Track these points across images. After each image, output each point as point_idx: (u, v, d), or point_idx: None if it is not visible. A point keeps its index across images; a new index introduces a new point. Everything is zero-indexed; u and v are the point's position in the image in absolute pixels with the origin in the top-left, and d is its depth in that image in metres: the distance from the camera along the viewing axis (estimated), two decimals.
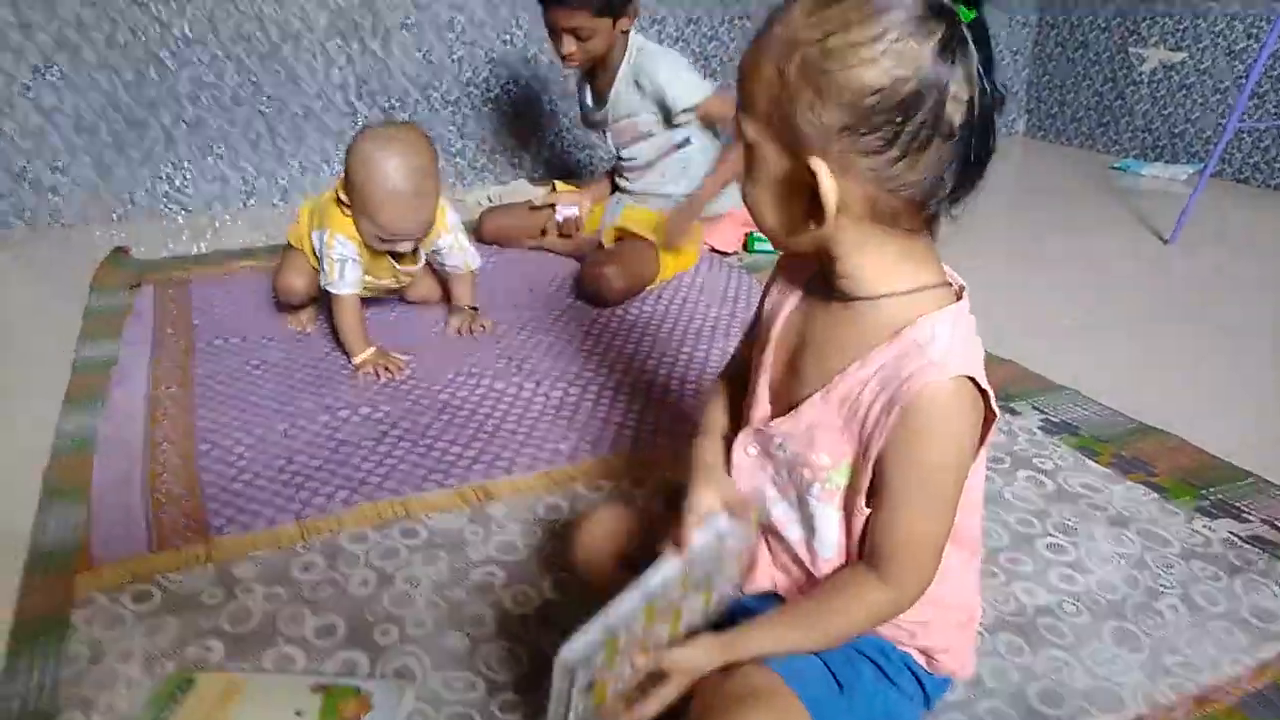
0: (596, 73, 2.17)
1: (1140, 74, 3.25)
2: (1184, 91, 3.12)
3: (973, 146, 0.63)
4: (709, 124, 2.18)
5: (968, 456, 0.69)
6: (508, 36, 2.92)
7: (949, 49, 0.60)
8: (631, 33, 2.09)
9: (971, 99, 0.62)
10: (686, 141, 2.17)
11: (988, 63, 0.62)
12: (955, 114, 0.62)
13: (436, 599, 1.04)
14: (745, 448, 0.79)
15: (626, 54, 2.09)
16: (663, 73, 2.06)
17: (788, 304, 0.79)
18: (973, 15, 0.62)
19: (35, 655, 0.96)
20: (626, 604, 0.68)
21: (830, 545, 0.75)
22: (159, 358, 1.69)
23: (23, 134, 2.47)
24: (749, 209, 0.72)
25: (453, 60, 2.89)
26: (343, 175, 1.60)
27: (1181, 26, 3.09)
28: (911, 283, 0.69)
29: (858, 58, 0.60)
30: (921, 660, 0.80)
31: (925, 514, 0.69)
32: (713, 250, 2.28)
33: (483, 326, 1.78)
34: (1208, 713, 0.90)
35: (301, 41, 2.69)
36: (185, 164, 2.69)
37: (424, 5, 2.79)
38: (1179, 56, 3.11)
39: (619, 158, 2.25)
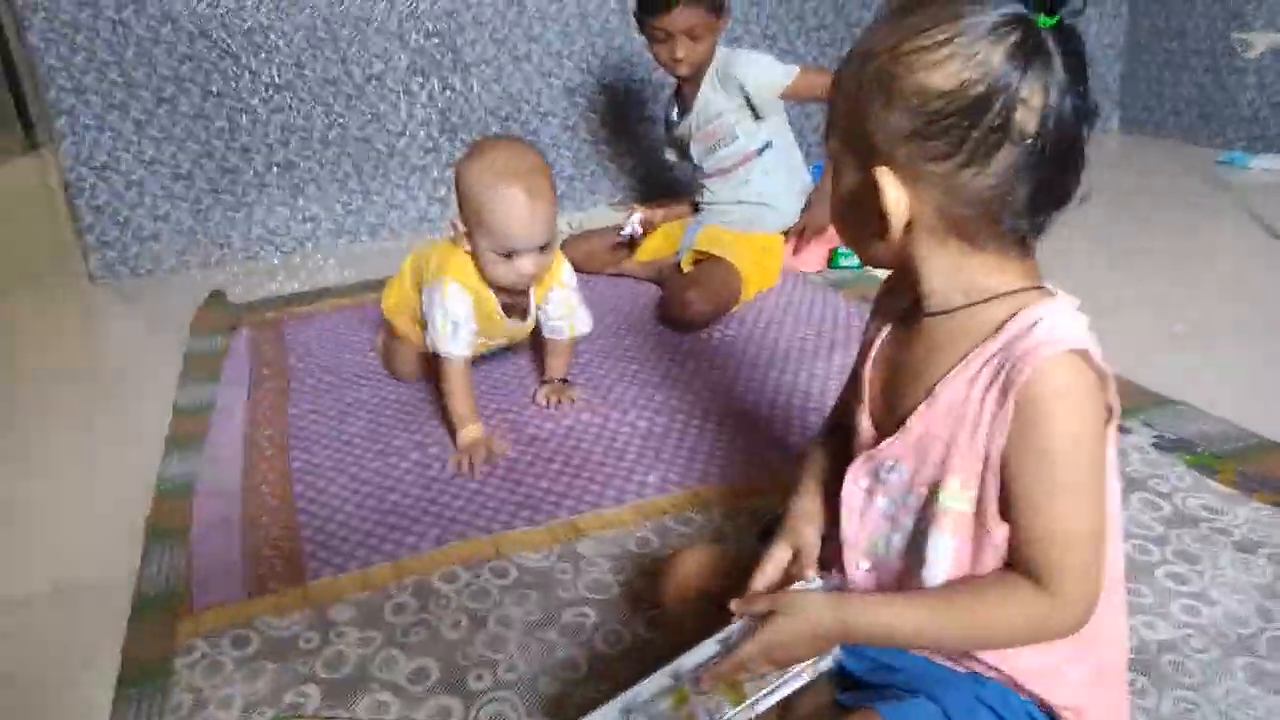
0: (683, 86, 2.20)
1: (1245, 61, 3.08)
2: None
3: (1048, 157, 0.60)
4: (800, 102, 2.20)
5: (1100, 437, 0.63)
6: (584, 65, 2.94)
7: (1021, 53, 0.59)
8: (719, 43, 2.13)
9: (1047, 106, 0.59)
10: (768, 145, 2.17)
11: (1076, 73, 0.60)
12: (1028, 120, 0.59)
13: (529, 641, 1.03)
14: (855, 480, 0.74)
15: (713, 61, 2.11)
16: (742, 62, 2.08)
17: (883, 333, 0.76)
18: (1053, 22, 0.59)
19: (141, 703, 0.98)
20: (650, 684, 0.65)
21: (939, 578, 0.67)
22: (256, 399, 1.73)
23: (126, 185, 2.59)
24: (834, 223, 0.73)
25: (531, 91, 2.92)
26: (456, 209, 1.51)
27: None
28: (1006, 286, 0.65)
29: (924, 61, 0.60)
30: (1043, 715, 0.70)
31: (1071, 506, 0.62)
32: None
33: (571, 399, 1.62)
34: None
35: (385, 81, 2.76)
36: (277, 206, 2.77)
37: (501, 39, 2.83)
38: None
39: (700, 168, 2.24)
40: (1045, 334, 0.62)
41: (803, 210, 2.23)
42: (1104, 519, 0.63)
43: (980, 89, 0.59)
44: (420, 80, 2.79)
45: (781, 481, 1.28)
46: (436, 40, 2.77)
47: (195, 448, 1.54)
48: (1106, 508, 0.63)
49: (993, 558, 0.66)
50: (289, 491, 1.39)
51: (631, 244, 2.27)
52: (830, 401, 1.55)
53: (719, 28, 2.07)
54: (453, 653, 1.02)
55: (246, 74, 2.61)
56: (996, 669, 0.68)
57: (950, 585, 0.67)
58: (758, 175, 2.19)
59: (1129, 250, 2.25)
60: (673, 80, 2.25)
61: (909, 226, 0.65)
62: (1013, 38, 0.59)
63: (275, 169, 2.73)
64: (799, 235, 2.21)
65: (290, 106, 2.69)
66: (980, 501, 0.65)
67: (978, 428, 0.64)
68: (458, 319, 1.49)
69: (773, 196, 2.19)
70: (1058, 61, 0.59)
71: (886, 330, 0.76)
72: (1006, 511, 0.64)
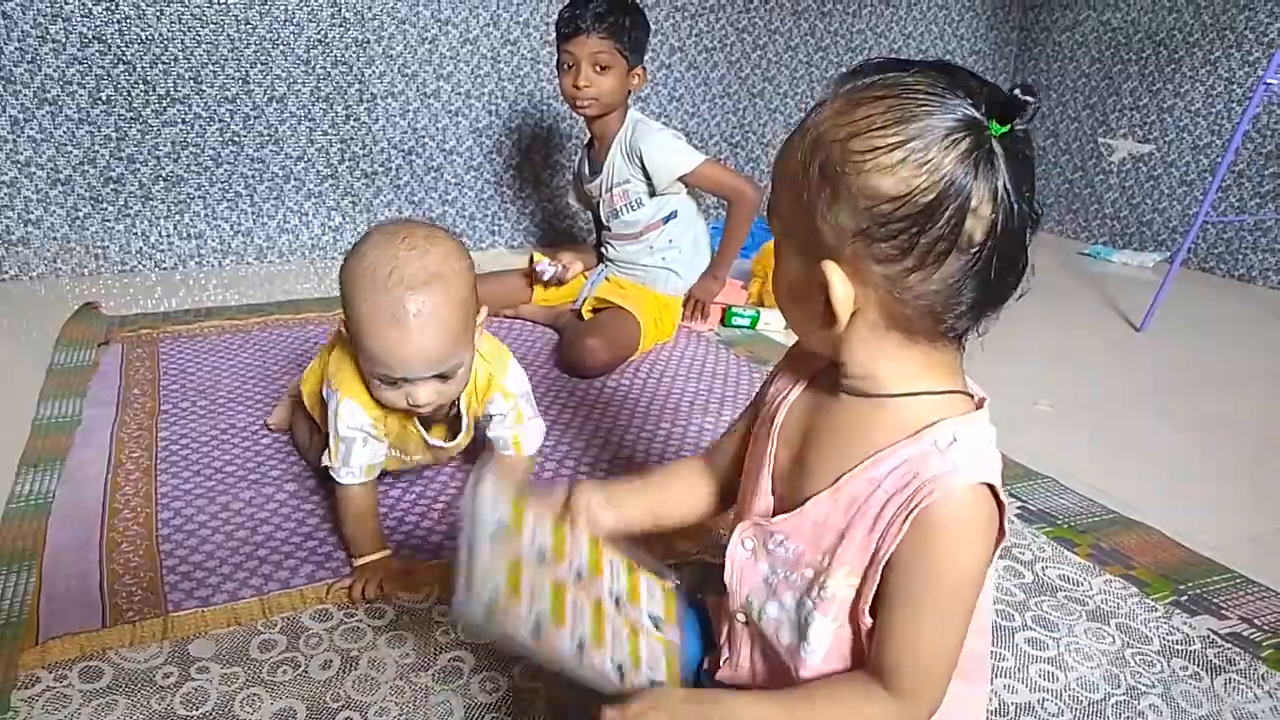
0: (594, 143, 2.22)
1: (1109, 164, 3.33)
2: (1151, 182, 3.20)
3: (994, 265, 0.61)
4: (699, 193, 2.23)
5: (984, 569, 0.66)
6: (493, 107, 2.95)
7: (973, 161, 0.58)
8: (632, 108, 2.17)
9: (995, 215, 0.60)
10: (674, 215, 2.20)
11: (1024, 179, 0.60)
12: (976, 229, 0.60)
13: (402, 685, 1.00)
14: (741, 541, 0.76)
15: (625, 125, 2.15)
16: (651, 141, 2.11)
17: (793, 393, 0.77)
18: (1003, 130, 0.59)
19: None
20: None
21: (818, 654, 0.70)
22: (124, 419, 1.65)
23: None
24: (777, 303, 0.72)
25: (437, 128, 2.91)
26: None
27: (1149, 120, 3.19)
28: (930, 387, 0.67)
29: (877, 163, 0.59)
30: None
31: (940, 627, 0.65)
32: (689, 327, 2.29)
33: None
34: None
35: (287, 104, 2.70)
36: (160, 221, 2.66)
37: (410, 74, 2.82)
38: (1147, 148, 3.20)
39: (607, 228, 2.27)
40: (960, 459, 0.63)
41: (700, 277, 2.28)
42: (963, 641, 0.66)
43: (930, 196, 0.58)
44: (324, 107, 2.75)
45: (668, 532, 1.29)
46: (344, 69, 2.74)
47: (53, 467, 1.46)
48: (972, 619, 0.67)
49: (868, 644, 0.69)
50: (153, 518, 1.32)
51: (544, 283, 2.27)
52: None
53: (627, 72, 2.08)
54: (321, 694, 0.98)
55: (141, 84, 2.52)
56: None
57: (808, 686, 0.70)
58: (662, 243, 2.22)
59: (1001, 331, 2.37)
60: (583, 130, 2.28)
61: (851, 317, 0.65)
62: (964, 144, 0.58)
63: (162, 182, 2.63)
64: (691, 307, 2.27)
65: (184, 121, 2.60)
66: (860, 593, 0.68)
67: (873, 529, 0.65)
68: (350, 441, 1.20)
69: (675, 262, 2.24)
70: (1006, 169, 0.59)
71: (797, 391, 0.76)
72: (876, 608, 0.67)
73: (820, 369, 0.74)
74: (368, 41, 2.74)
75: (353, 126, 2.80)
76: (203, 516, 1.33)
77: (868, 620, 0.67)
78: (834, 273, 0.62)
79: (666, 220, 2.21)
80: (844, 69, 0.65)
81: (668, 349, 2.14)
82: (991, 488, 0.64)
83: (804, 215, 0.63)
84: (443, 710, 0.96)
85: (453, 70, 2.87)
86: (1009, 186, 0.59)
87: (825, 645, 0.70)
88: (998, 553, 0.67)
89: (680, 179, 2.13)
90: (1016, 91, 0.59)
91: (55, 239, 2.55)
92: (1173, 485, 1.55)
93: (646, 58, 2.15)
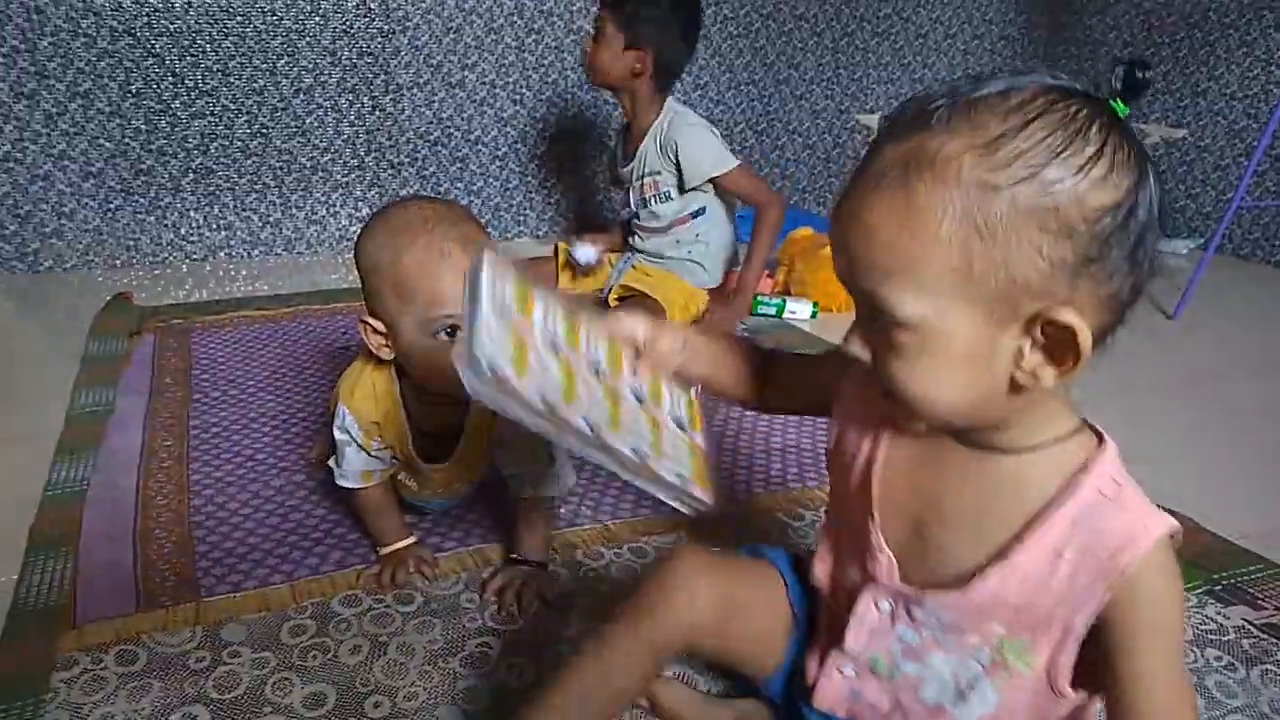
0: (632, 129, 2.21)
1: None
2: (1185, 167, 3.15)
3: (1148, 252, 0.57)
4: (728, 198, 2.21)
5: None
6: (518, 97, 2.96)
7: (1136, 142, 0.56)
8: (671, 100, 2.15)
9: (1150, 198, 0.56)
10: (702, 211, 2.19)
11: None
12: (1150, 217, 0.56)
13: (430, 670, 1.01)
14: (875, 602, 0.72)
15: (662, 115, 2.14)
16: (687, 136, 2.09)
17: (880, 449, 0.71)
18: (1126, 110, 0.56)
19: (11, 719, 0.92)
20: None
21: (974, 713, 0.68)
22: (156, 408, 1.67)
23: (31, 179, 2.48)
24: (903, 390, 0.60)
25: (462, 118, 2.92)
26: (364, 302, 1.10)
27: (1182, 104, 3.14)
28: (1064, 427, 0.63)
29: (1089, 179, 0.53)
30: None
31: (1179, 682, 0.62)
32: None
33: (544, 601, 1.12)
34: None
35: (314, 96, 2.72)
36: (190, 212, 2.69)
37: (435, 65, 2.83)
38: (1180, 134, 3.15)
39: (636, 216, 2.26)
40: (1132, 505, 0.61)
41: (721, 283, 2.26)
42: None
43: (1133, 194, 0.54)
44: (350, 98, 2.77)
45: (686, 519, 1.29)
46: (370, 60, 2.75)
47: (88, 455, 1.48)
48: None
49: (1053, 716, 0.67)
50: (185, 505, 1.34)
51: (581, 268, 2.28)
52: (742, 443, 1.58)
53: (623, 50, 2.06)
54: (351, 678, 0.99)
55: (170, 76, 2.55)
56: None
57: None
58: (689, 237, 2.21)
59: None
60: (608, 118, 2.28)
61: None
62: (1123, 129, 0.55)
63: (192, 174, 2.66)
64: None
65: (212, 113, 2.63)
66: (1052, 666, 0.65)
67: (1063, 600, 0.62)
68: (343, 445, 1.16)
69: (702, 257, 2.22)
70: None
71: (885, 446, 0.71)
72: (1081, 680, 0.65)
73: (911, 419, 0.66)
74: (393, 32, 2.75)
75: (378, 117, 2.82)
76: (234, 504, 1.35)
77: (1071, 693, 0.65)
78: (1073, 316, 0.55)
79: (695, 216, 2.19)
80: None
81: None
82: (1175, 534, 0.62)
83: (988, 272, 0.54)
84: (471, 695, 0.97)
85: (477, 60, 2.87)
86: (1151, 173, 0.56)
87: (988, 708, 0.68)
88: None
89: (711, 179, 2.12)
90: (1137, 72, 0.57)
91: (88, 231, 2.59)
92: (1205, 473, 1.53)
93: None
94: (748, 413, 1.70)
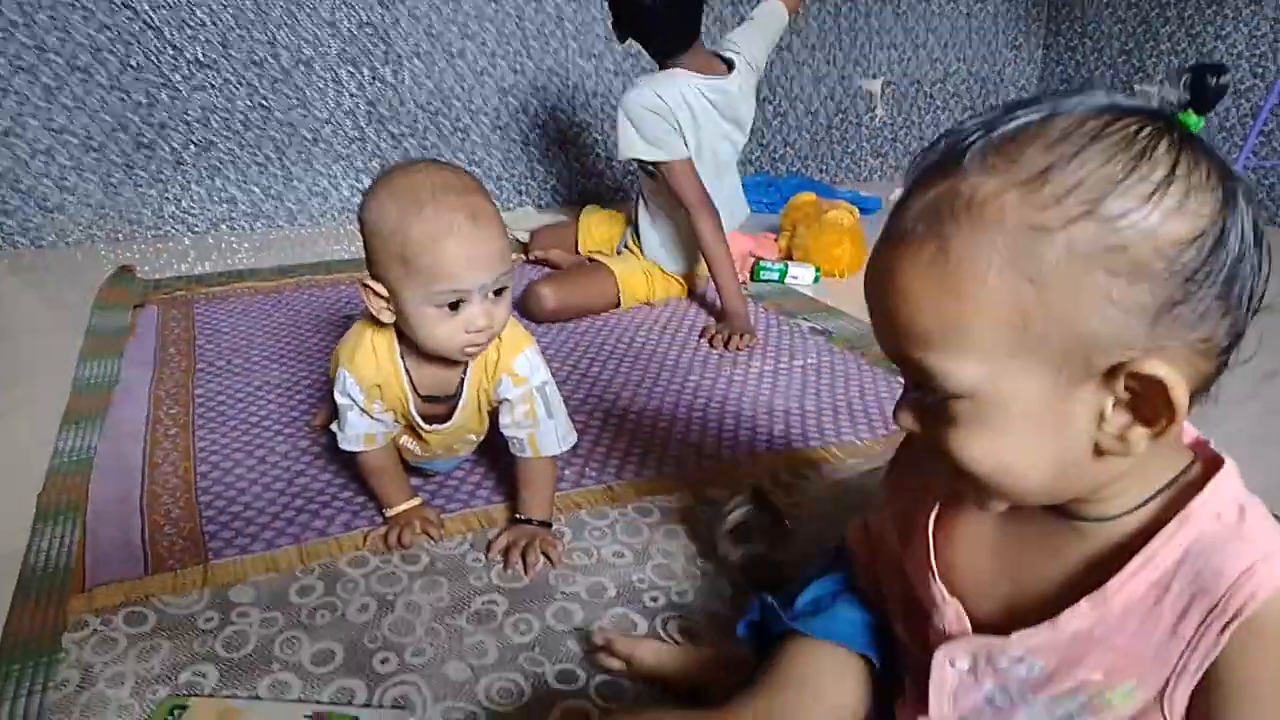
0: None
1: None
2: None
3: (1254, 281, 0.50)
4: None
5: None
6: (518, 66, 2.94)
7: (1218, 162, 0.49)
8: (648, 74, 2.02)
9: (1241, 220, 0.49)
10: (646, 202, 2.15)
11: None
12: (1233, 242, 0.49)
13: (437, 626, 1.02)
14: (951, 660, 0.64)
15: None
16: (627, 105, 1.94)
17: (966, 520, 0.64)
18: (1201, 124, 0.50)
19: (23, 679, 0.94)
20: None
21: None
22: (160, 378, 1.68)
23: (32, 154, 2.48)
24: (972, 467, 0.53)
25: (463, 88, 2.90)
26: (366, 267, 1.09)
27: (1188, 64, 3.11)
28: (1170, 473, 0.55)
29: (1161, 210, 0.46)
30: None
31: None
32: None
33: (547, 558, 1.13)
34: None
35: (314, 67, 2.71)
36: (192, 185, 2.69)
37: (435, 34, 2.81)
38: (1183, 96, 3.12)
39: None
40: (1260, 533, 0.52)
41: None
42: None
43: (1218, 222, 0.47)
44: (350, 69, 2.76)
45: (691, 480, 1.30)
46: (369, 30, 2.73)
47: (94, 424, 1.49)
48: None
49: None
50: (192, 471, 1.35)
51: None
52: (745, 405, 1.58)
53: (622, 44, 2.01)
54: (359, 635, 1.00)
55: (169, 49, 2.54)
56: None
57: None
58: (645, 225, 2.14)
59: None
60: (609, 89, 2.26)
61: None
62: (1198, 150, 0.49)
63: (193, 147, 2.66)
64: (724, 340, 1.87)
65: (213, 85, 2.62)
66: (1165, 705, 0.55)
67: (1173, 636, 0.53)
68: (345, 409, 1.16)
69: (651, 251, 2.14)
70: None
71: (966, 512, 0.64)
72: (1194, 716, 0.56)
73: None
74: (392, 2, 2.73)
75: (379, 88, 2.81)
76: (240, 469, 1.36)
77: None
78: (1161, 367, 0.47)
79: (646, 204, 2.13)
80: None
81: (696, 304, 2.13)
82: None
83: (1048, 326, 0.47)
84: (477, 651, 0.98)
85: (477, 30, 2.85)
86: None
87: None
88: None
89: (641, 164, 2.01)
90: (1209, 78, 0.50)
91: (90, 205, 2.59)
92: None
93: None
94: (750, 374, 1.70)
